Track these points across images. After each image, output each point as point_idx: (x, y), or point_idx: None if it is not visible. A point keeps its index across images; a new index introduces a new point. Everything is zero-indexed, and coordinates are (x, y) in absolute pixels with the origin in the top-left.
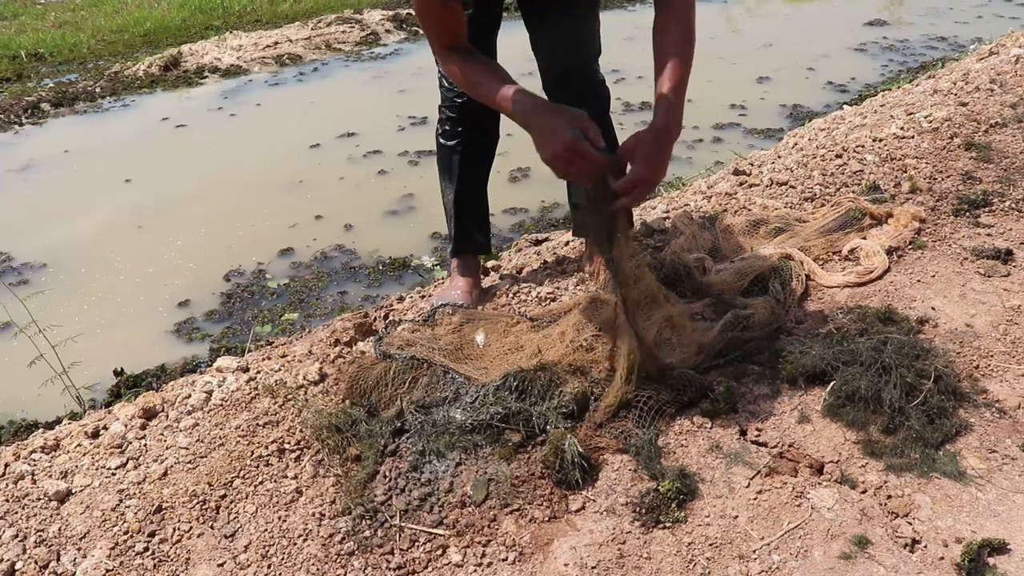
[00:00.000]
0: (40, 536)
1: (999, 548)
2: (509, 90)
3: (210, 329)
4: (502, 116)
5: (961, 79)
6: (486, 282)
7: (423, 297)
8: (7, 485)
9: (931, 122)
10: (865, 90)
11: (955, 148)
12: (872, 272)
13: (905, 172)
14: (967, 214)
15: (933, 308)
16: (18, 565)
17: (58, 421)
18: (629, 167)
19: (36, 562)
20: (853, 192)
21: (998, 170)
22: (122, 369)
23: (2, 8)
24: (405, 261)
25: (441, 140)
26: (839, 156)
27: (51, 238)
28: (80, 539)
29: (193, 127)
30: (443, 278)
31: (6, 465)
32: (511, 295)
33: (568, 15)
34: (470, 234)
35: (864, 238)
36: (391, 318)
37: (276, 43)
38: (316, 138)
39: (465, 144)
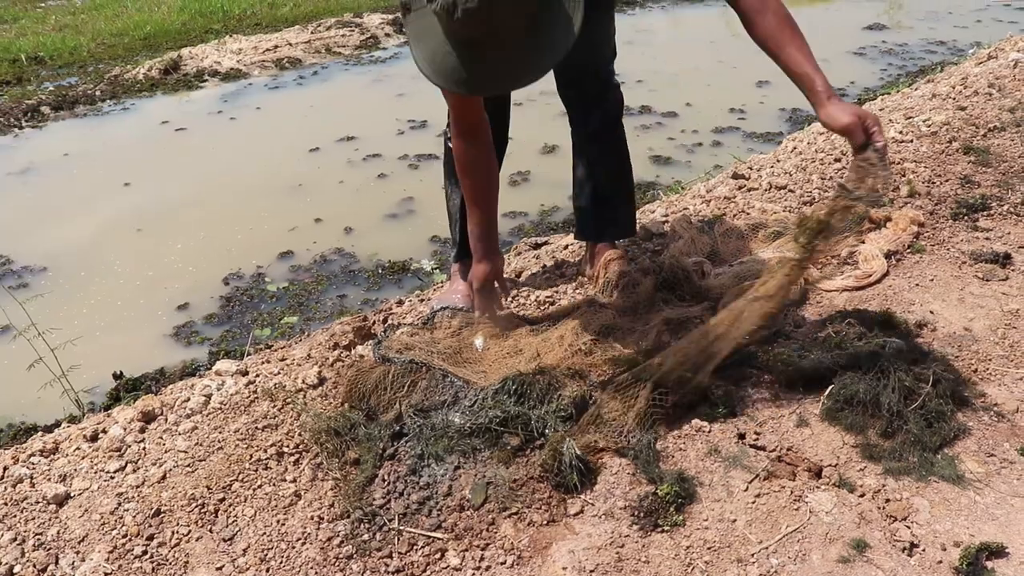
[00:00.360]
0: (38, 539)
1: (997, 552)
2: (476, 227)
3: (209, 332)
4: (512, 120)
5: (960, 83)
6: None
7: (422, 301)
8: (6, 488)
9: (930, 126)
10: (864, 94)
11: (954, 152)
12: (871, 276)
13: (904, 176)
14: (965, 218)
15: (931, 312)
16: (16, 568)
17: (57, 424)
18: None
19: (34, 565)
20: None
21: (996, 174)
22: (121, 372)
23: (2, 11)
24: (404, 265)
25: (450, 144)
26: (838, 160)
27: (51, 241)
28: (79, 542)
29: (193, 130)
30: (442, 282)
31: (5, 468)
32: (510, 299)
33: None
34: None
35: (863, 242)
36: (390, 322)
37: (276, 47)
38: (316, 142)
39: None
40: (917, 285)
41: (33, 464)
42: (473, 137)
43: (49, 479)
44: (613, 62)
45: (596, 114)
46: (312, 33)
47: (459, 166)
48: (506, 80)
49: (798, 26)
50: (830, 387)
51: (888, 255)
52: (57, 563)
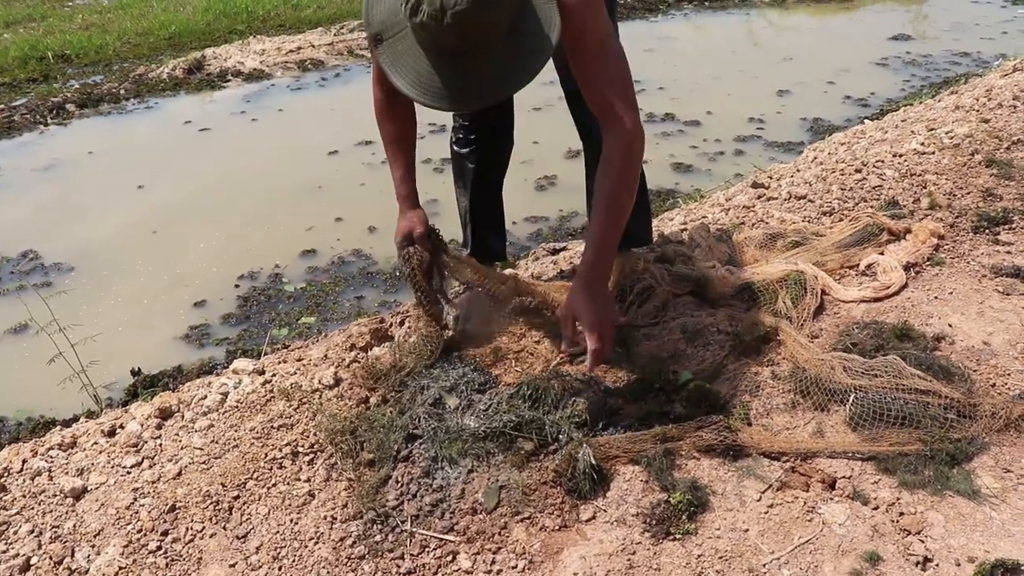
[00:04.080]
0: (55, 532)
1: (1013, 569)
2: (397, 168)
3: (227, 331)
4: (518, 121)
5: (984, 95)
6: None
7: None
8: (24, 481)
9: (952, 138)
10: (887, 105)
11: (976, 165)
12: (889, 288)
13: (925, 188)
14: (986, 231)
15: (950, 325)
16: (33, 560)
17: (75, 419)
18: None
19: (51, 557)
20: (872, 207)
21: (1019, 187)
22: (139, 369)
23: (30, 10)
24: None
25: (455, 148)
26: (858, 171)
27: (74, 238)
28: (94, 536)
29: (215, 131)
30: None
31: (24, 461)
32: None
33: None
34: (486, 240)
35: (882, 253)
36: (407, 325)
37: (299, 48)
38: (335, 144)
39: (479, 152)
40: (936, 298)
41: (51, 458)
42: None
43: (67, 473)
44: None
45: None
46: (335, 35)
47: (379, 111)
48: (493, 90)
49: (629, 198)
50: (848, 398)
51: (907, 267)
52: (73, 556)
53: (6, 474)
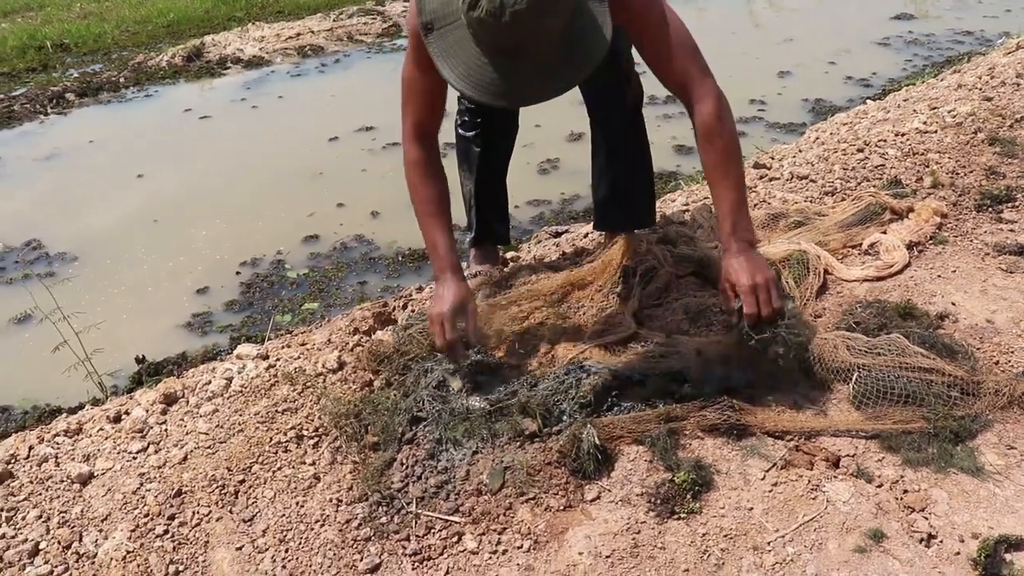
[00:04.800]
0: (63, 517)
1: (1016, 544)
2: (439, 233)
3: (230, 318)
4: (537, 107)
5: (987, 73)
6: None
7: None
8: (31, 467)
9: (955, 117)
10: (888, 85)
11: (979, 143)
12: (892, 267)
13: (927, 167)
14: (989, 209)
15: (953, 303)
16: (42, 545)
17: (81, 406)
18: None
19: (59, 542)
20: (874, 186)
21: (1022, 165)
22: (143, 356)
23: None
24: (424, 253)
25: (460, 131)
26: (860, 150)
27: (77, 227)
28: (102, 521)
29: (216, 118)
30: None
31: (30, 448)
32: (529, 286)
33: None
34: (489, 224)
35: (884, 232)
36: (410, 308)
37: (298, 34)
38: (335, 131)
39: (484, 135)
40: (939, 276)
41: (58, 444)
42: (431, 145)
43: (73, 459)
44: (631, 51)
45: (614, 105)
46: (334, 21)
47: (415, 170)
48: (546, 87)
49: (739, 157)
50: (851, 376)
51: (910, 246)
52: (81, 540)
53: (13, 461)
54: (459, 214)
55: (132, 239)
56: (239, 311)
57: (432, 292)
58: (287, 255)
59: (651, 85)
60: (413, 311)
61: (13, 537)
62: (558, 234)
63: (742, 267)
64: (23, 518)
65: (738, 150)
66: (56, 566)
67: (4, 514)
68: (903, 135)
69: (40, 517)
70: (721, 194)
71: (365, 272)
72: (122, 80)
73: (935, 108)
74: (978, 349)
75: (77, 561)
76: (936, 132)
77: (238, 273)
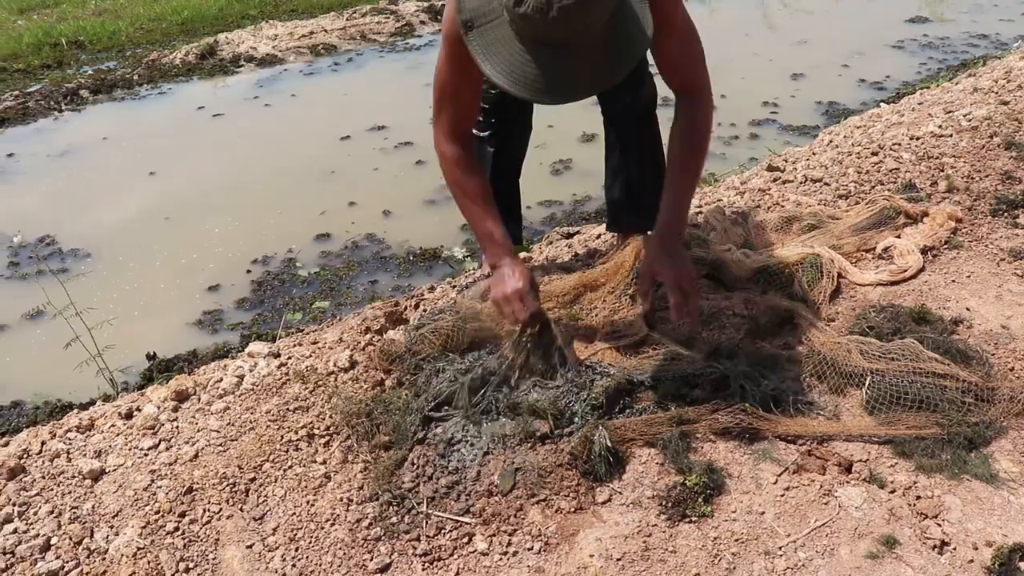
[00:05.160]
0: (74, 513)
1: None
2: (489, 221)
3: (241, 316)
4: (535, 107)
5: (1003, 77)
6: None
7: (454, 288)
8: (43, 462)
9: (970, 120)
10: (903, 88)
11: (994, 147)
12: (906, 271)
13: (942, 171)
14: (1005, 214)
15: (968, 309)
16: (53, 540)
17: (92, 402)
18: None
19: (71, 538)
20: (888, 190)
21: None
22: (155, 353)
23: None
24: (436, 252)
25: (474, 132)
26: (875, 154)
27: (91, 224)
28: (113, 517)
29: (229, 116)
30: (473, 269)
31: (42, 443)
32: (541, 287)
33: None
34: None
35: (899, 236)
36: (422, 307)
37: (311, 33)
38: (347, 130)
39: (498, 136)
40: (954, 281)
41: (69, 440)
42: (466, 143)
43: (85, 455)
44: (646, 52)
45: (628, 106)
46: (348, 20)
47: (453, 166)
48: (590, 82)
49: (704, 161)
50: (865, 381)
51: (924, 250)
52: (92, 536)
53: (25, 456)
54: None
55: (145, 236)
56: (250, 309)
57: (491, 278)
58: (298, 253)
59: (664, 87)
60: (425, 311)
61: (25, 532)
62: (570, 235)
63: (672, 262)
64: (35, 513)
65: (705, 156)
66: (67, 562)
67: (16, 509)
68: (918, 139)
69: (52, 513)
70: (677, 184)
71: (376, 271)
72: (136, 77)
73: (950, 112)
74: (993, 355)
75: (88, 557)
76: (951, 136)
77: (249, 271)
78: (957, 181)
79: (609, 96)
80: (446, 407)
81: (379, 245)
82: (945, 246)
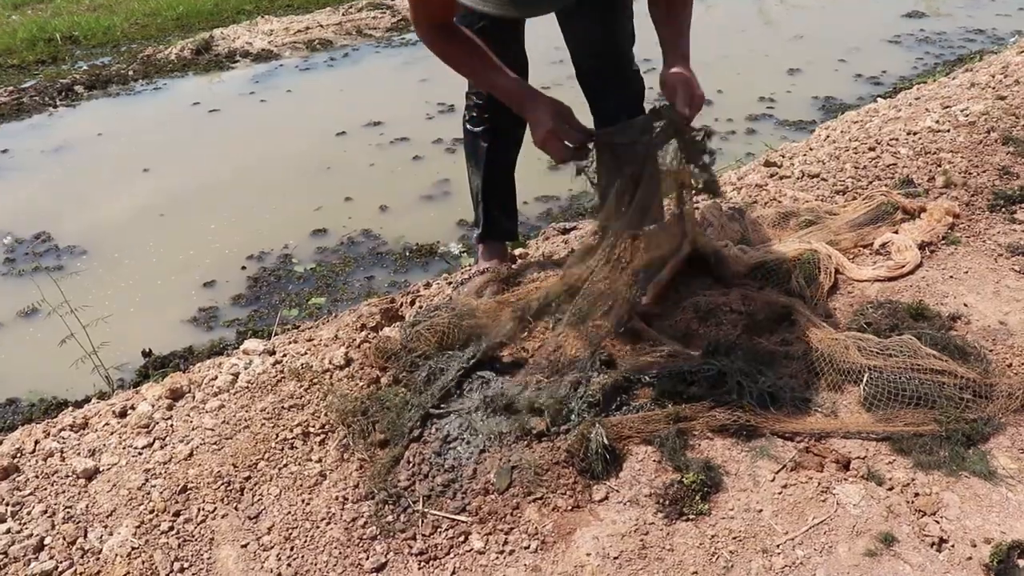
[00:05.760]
0: (68, 512)
1: None
2: (499, 76)
3: (237, 312)
4: None
5: (1000, 72)
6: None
7: (450, 284)
8: (37, 462)
9: (967, 116)
10: (899, 83)
11: (992, 142)
12: (903, 267)
13: (940, 166)
14: (1003, 210)
15: (966, 305)
16: (47, 540)
17: (87, 400)
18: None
19: (64, 538)
20: (886, 185)
21: None
22: (150, 350)
23: None
24: (432, 248)
25: (468, 126)
26: (872, 149)
27: (86, 221)
28: (107, 516)
29: (225, 112)
30: (470, 265)
31: (36, 442)
32: (538, 283)
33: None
34: (498, 221)
35: (896, 232)
36: (418, 304)
37: (307, 28)
38: (343, 126)
39: (492, 131)
40: (951, 277)
41: (63, 439)
42: (447, 24)
43: (79, 454)
44: (632, 47)
45: (615, 101)
46: (343, 15)
47: (443, 43)
48: None
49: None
50: (862, 378)
51: (922, 246)
52: (86, 536)
53: (19, 455)
54: (467, 210)
55: (140, 232)
56: (246, 305)
57: (530, 124)
58: (294, 249)
59: (652, 81)
60: (421, 307)
61: (18, 532)
62: (566, 231)
63: (688, 80)
64: (28, 513)
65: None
66: (61, 562)
67: (9, 509)
68: (915, 134)
69: (45, 512)
70: (675, 25)
71: (372, 267)
72: (131, 73)
73: (947, 107)
74: (991, 351)
75: (82, 557)
76: (949, 131)
77: (244, 268)
78: (955, 176)
79: (595, 92)
80: (443, 404)
81: (375, 241)
82: (943, 242)
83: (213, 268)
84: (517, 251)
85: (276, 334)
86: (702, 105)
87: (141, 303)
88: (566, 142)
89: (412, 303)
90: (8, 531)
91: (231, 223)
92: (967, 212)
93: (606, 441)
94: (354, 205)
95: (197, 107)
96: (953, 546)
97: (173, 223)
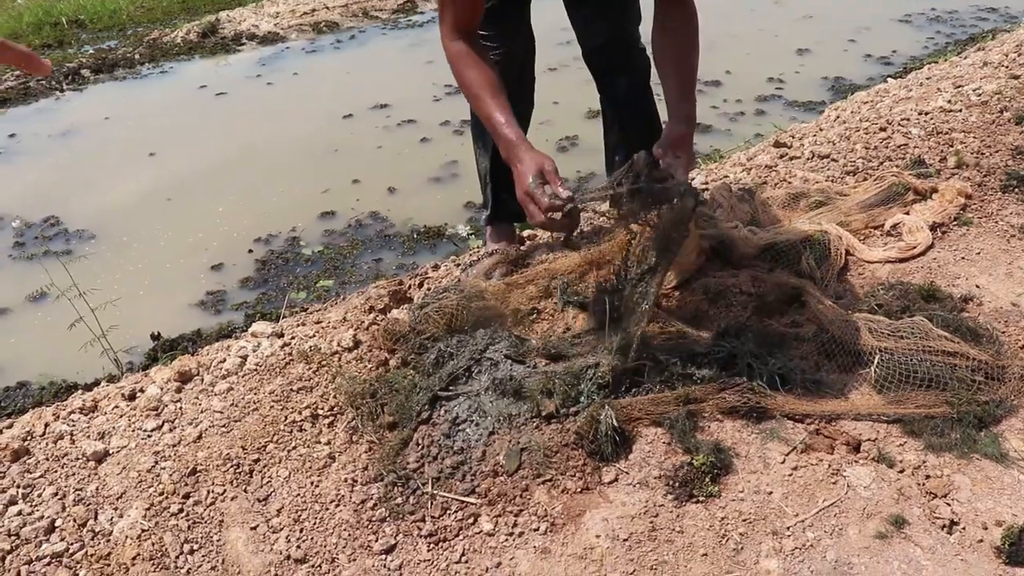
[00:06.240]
0: (78, 495)
1: None
2: (500, 114)
3: (245, 295)
4: (537, 82)
5: (1013, 51)
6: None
7: (458, 266)
8: (47, 444)
9: (980, 95)
10: (910, 63)
11: (1005, 122)
12: (915, 248)
13: (951, 146)
14: (1016, 190)
15: (978, 286)
16: (58, 522)
17: (96, 383)
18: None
19: (75, 520)
20: (897, 166)
21: None
22: (159, 333)
23: None
24: (440, 230)
25: None
26: (883, 129)
27: (95, 205)
28: (117, 499)
29: (231, 95)
30: (478, 247)
31: (46, 425)
32: (547, 264)
33: None
34: (506, 202)
35: (907, 213)
36: (426, 286)
37: (313, 10)
38: (350, 108)
39: None
40: (963, 258)
41: (73, 421)
42: (472, 40)
43: (88, 436)
44: (638, 27)
45: (623, 81)
46: None
47: (466, 60)
48: None
49: (697, 52)
50: (873, 360)
51: (933, 227)
52: (96, 518)
53: (29, 437)
54: (475, 192)
55: (148, 216)
56: (254, 288)
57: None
58: (302, 232)
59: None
60: (429, 289)
61: (30, 514)
62: None
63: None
64: (39, 495)
65: (698, 55)
66: (72, 543)
67: (20, 491)
68: (927, 114)
69: (56, 494)
70: (681, 72)
71: (380, 249)
72: (137, 56)
73: (959, 86)
74: (1003, 333)
75: (93, 539)
76: (961, 111)
77: (251, 251)
78: (967, 157)
79: (602, 72)
80: (451, 386)
81: (383, 223)
82: (954, 223)
83: (221, 251)
84: (525, 233)
85: (284, 316)
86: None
87: (149, 287)
88: (544, 202)
89: (420, 285)
90: (19, 513)
91: (238, 206)
92: (979, 193)
93: (616, 423)
94: (362, 187)
95: (204, 90)
96: (964, 529)
97: (181, 207)
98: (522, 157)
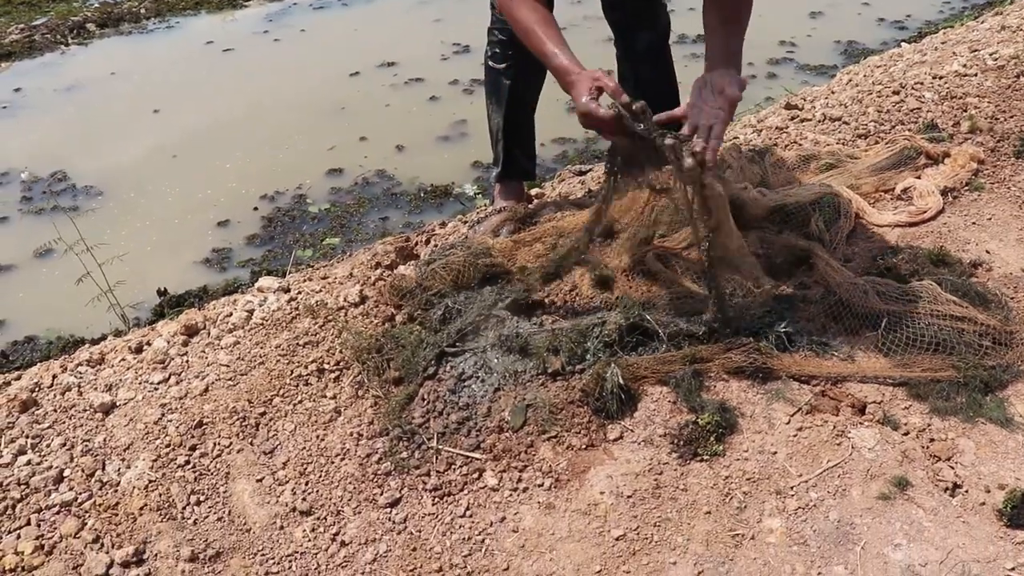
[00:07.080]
0: (86, 446)
1: None
2: (550, 45)
3: (251, 252)
4: None
5: None
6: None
7: (466, 223)
8: (55, 396)
9: (996, 60)
10: (924, 27)
11: (1021, 87)
12: (925, 212)
13: (965, 111)
14: None
15: (988, 252)
16: (66, 472)
17: (103, 337)
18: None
19: (83, 470)
20: (909, 130)
21: None
22: (165, 289)
23: None
24: (447, 189)
25: (491, 63)
26: (896, 93)
27: (101, 159)
28: (124, 450)
29: (238, 51)
30: (484, 206)
31: (54, 376)
32: (555, 222)
33: None
34: (516, 160)
35: (918, 177)
36: (433, 243)
37: None
38: (357, 66)
39: (515, 68)
40: (974, 223)
41: (80, 373)
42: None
43: (96, 388)
44: None
45: (644, 36)
46: None
47: (523, 6)
48: None
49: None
50: (880, 322)
51: (944, 192)
52: (104, 469)
53: (38, 389)
54: (483, 152)
55: (154, 172)
56: (260, 245)
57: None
58: (308, 189)
59: (679, 24)
60: (436, 246)
61: (39, 464)
62: (582, 173)
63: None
64: (48, 445)
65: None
66: (80, 493)
67: (29, 441)
68: (941, 78)
69: (64, 445)
70: (730, 36)
71: (387, 208)
72: (143, 11)
73: (975, 51)
74: (1012, 298)
75: (101, 489)
76: (976, 75)
77: (257, 208)
78: (981, 122)
79: (623, 26)
80: (458, 343)
81: (390, 182)
82: (966, 188)
83: (227, 208)
84: (533, 191)
85: (290, 273)
86: (735, 107)
87: (156, 243)
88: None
89: (427, 242)
90: (29, 462)
91: (245, 163)
92: (992, 158)
93: (621, 381)
94: (369, 145)
95: (210, 46)
96: (967, 491)
97: (187, 163)
98: (574, 81)
